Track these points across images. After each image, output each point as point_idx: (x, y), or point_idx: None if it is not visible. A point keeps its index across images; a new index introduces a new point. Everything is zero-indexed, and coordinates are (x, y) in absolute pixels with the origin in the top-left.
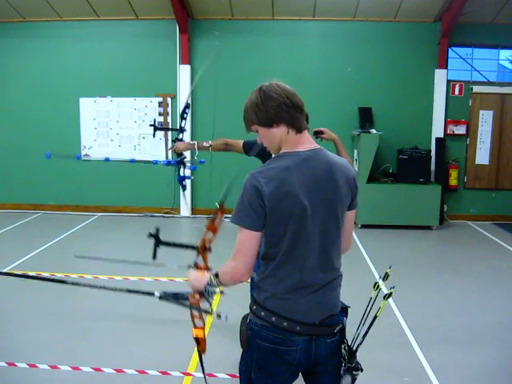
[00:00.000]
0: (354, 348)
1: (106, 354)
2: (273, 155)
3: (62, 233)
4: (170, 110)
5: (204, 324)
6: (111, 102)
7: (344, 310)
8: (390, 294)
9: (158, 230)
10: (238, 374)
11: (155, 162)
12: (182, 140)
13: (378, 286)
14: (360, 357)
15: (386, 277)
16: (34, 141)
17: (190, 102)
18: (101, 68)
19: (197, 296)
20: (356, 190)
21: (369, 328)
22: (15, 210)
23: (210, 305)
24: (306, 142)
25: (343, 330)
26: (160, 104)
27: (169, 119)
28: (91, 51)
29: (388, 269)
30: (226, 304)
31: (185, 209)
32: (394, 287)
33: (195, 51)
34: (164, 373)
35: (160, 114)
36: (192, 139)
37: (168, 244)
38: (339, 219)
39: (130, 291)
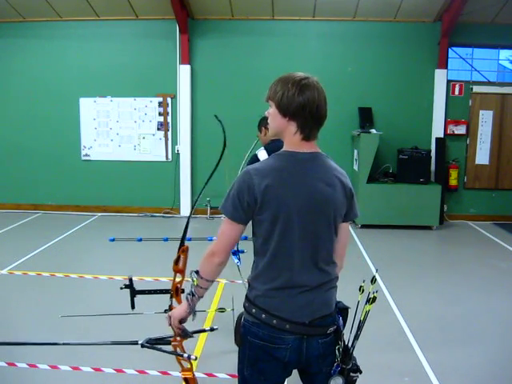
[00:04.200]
0: (350, 350)
1: (106, 354)
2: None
3: (62, 233)
4: (169, 109)
5: (191, 365)
6: (111, 102)
7: (343, 310)
8: (373, 299)
9: (131, 280)
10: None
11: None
12: None
13: (363, 290)
14: (360, 357)
15: (373, 280)
16: (34, 141)
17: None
18: (101, 68)
19: (178, 338)
20: (352, 202)
21: (359, 331)
22: (15, 210)
23: (195, 314)
24: (309, 146)
25: (338, 330)
26: (160, 104)
27: (169, 119)
28: (91, 51)
29: (376, 272)
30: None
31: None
32: (377, 291)
33: (195, 51)
34: (164, 373)
35: (160, 114)
36: (192, 139)
37: (143, 292)
38: (331, 222)
39: (114, 343)
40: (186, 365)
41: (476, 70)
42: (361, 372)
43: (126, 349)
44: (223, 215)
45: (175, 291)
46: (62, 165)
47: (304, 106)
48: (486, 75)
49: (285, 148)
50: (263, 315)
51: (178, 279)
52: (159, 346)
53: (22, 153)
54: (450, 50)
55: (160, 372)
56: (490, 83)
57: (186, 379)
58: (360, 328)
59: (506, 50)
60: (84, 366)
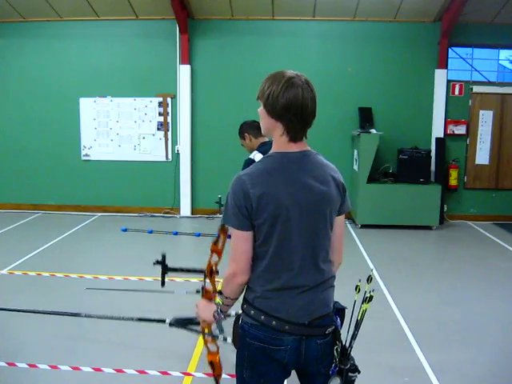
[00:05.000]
0: (347, 350)
1: (106, 354)
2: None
3: (62, 233)
4: (169, 109)
5: (218, 348)
6: (111, 102)
7: (340, 311)
8: (370, 298)
9: (164, 257)
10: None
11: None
12: None
13: (360, 290)
14: (360, 357)
15: (369, 280)
16: (33, 141)
17: None
18: (101, 68)
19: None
20: (345, 195)
21: (356, 331)
22: (15, 210)
23: (222, 331)
24: (298, 146)
25: (336, 331)
26: (160, 104)
27: (169, 119)
28: (91, 51)
29: (371, 271)
30: None
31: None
32: (373, 290)
33: (195, 51)
34: (164, 373)
35: (160, 114)
36: (192, 139)
37: (175, 270)
38: (328, 221)
39: (140, 320)
40: (213, 348)
41: (476, 69)
42: (359, 372)
43: (126, 349)
44: (229, 229)
45: (209, 272)
46: (62, 165)
47: (288, 108)
48: (486, 75)
49: (274, 149)
50: (262, 317)
51: (214, 260)
52: (186, 326)
53: (22, 153)
54: (449, 49)
55: (160, 372)
56: (490, 83)
57: (211, 363)
58: (357, 328)
59: (506, 50)
60: (84, 365)
